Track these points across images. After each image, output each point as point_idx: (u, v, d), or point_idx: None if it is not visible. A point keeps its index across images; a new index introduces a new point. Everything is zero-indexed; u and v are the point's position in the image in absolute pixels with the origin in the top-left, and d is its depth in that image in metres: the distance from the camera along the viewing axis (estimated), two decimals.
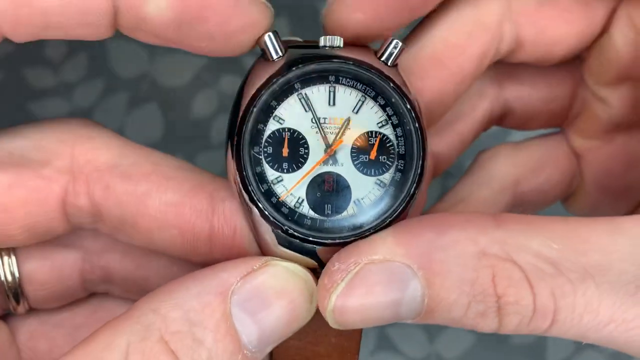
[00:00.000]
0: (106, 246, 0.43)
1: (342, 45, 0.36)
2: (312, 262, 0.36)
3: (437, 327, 0.72)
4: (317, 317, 0.37)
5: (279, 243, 0.36)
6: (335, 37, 0.36)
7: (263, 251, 0.37)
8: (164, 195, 0.38)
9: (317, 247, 0.36)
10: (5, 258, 0.42)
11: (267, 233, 0.36)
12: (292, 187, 0.36)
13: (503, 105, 0.47)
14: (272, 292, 0.34)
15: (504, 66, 0.46)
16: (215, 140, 0.76)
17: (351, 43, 0.37)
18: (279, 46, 0.36)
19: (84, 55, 0.80)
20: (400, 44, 0.36)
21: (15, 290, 0.42)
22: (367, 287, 0.32)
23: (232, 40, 0.35)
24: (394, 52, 0.36)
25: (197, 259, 0.39)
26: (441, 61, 0.40)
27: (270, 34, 0.36)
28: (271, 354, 0.38)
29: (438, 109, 0.42)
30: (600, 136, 0.47)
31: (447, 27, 0.41)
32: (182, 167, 0.39)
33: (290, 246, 0.36)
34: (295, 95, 0.36)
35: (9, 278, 0.42)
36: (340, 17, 0.37)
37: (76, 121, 0.41)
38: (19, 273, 0.42)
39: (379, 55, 0.36)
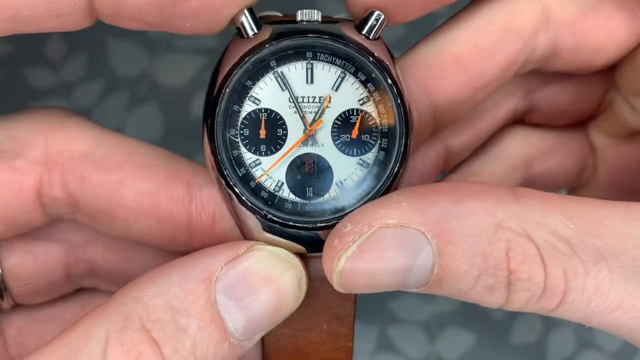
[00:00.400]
0: (90, 239, 0.42)
1: (320, 20, 0.35)
2: (298, 247, 0.35)
3: (437, 327, 0.72)
4: (308, 303, 0.36)
5: (263, 229, 0.35)
6: (314, 11, 0.35)
7: (246, 237, 0.36)
8: (138, 185, 0.37)
9: (300, 232, 0.34)
10: None
11: (249, 218, 0.35)
12: (268, 168, 0.34)
13: (529, 104, 0.46)
14: (258, 277, 0.33)
15: (537, 71, 0.45)
16: None
17: (330, 19, 0.36)
18: (254, 22, 0.34)
19: (83, 55, 0.80)
20: (382, 15, 0.35)
21: None
22: (379, 251, 0.31)
23: (217, 16, 0.34)
24: (375, 25, 0.35)
25: (177, 248, 0.39)
26: (462, 64, 0.39)
27: (245, 10, 0.34)
28: (262, 343, 0.37)
29: (449, 114, 0.41)
30: (621, 136, 0.46)
31: (476, 29, 0.39)
32: (158, 154, 0.39)
33: (273, 231, 0.35)
34: (271, 74, 0.34)
35: None
36: None
37: (50, 110, 0.40)
38: (2, 268, 0.41)
39: (359, 29, 0.35)
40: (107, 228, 0.39)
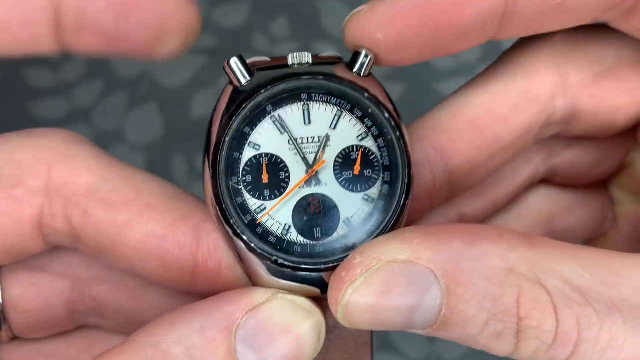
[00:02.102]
0: (99, 276, 0.41)
1: (311, 62, 0.35)
2: (310, 290, 0.34)
3: None
4: (326, 349, 0.35)
5: (271, 274, 0.34)
6: (304, 53, 0.35)
7: (255, 284, 0.35)
8: (145, 227, 0.36)
9: (312, 274, 0.34)
10: None
11: (257, 264, 0.34)
12: (271, 208, 0.34)
13: (549, 169, 0.45)
14: (279, 328, 0.32)
15: (559, 136, 0.44)
16: None
17: (321, 59, 0.35)
18: (245, 70, 0.34)
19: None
20: (370, 53, 0.35)
21: None
22: (386, 287, 0.30)
23: (166, 32, 0.31)
24: (365, 62, 0.35)
25: (180, 289, 0.38)
26: (479, 127, 0.38)
27: (236, 58, 0.34)
28: None
29: (465, 178, 0.40)
30: None
31: (492, 93, 0.39)
32: (167, 192, 0.37)
33: (284, 276, 0.34)
34: (268, 119, 0.34)
35: None
36: (359, 33, 0.35)
37: (55, 134, 0.38)
38: (3, 299, 0.39)
39: (350, 67, 0.35)
40: (108, 262, 0.38)
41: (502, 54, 0.40)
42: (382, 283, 0.31)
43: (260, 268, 0.34)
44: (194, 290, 0.36)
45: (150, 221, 0.36)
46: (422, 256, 0.31)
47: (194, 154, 0.75)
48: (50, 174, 0.36)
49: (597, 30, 0.39)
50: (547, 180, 0.47)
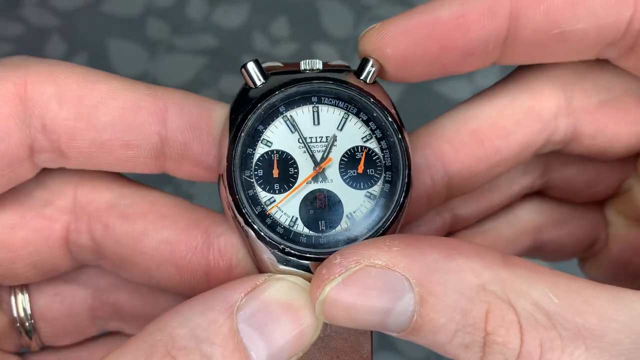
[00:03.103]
0: (115, 284, 0.44)
1: (322, 68, 0.37)
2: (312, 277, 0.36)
3: None
4: (326, 344, 0.37)
5: (279, 262, 0.36)
6: (316, 60, 0.37)
7: (262, 272, 0.37)
8: (160, 234, 0.38)
9: (313, 263, 0.35)
10: (19, 295, 0.42)
11: (265, 253, 0.36)
12: (280, 200, 0.36)
13: (545, 183, 0.47)
14: (278, 305, 0.34)
15: (558, 152, 0.45)
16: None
17: (330, 66, 0.38)
18: (261, 73, 0.36)
19: (84, 54, 0.80)
20: (377, 62, 0.37)
21: (28, 327, 0.42)
22: (362, 288, 0.32)
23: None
24: (371, 71, 0.37)
25: (196, 294, 0.39)
26: (480, 139, 0.40)
27: (252, 62, 0.36)
28: None
29: (463, 185, 0.42)
30: (637, 219, 0.46)
31: (497, 108, 0.40)
32: (179, 204, 0.39)
33: (288, 264, 0.36)
34: (280, 118, 0.37)
35: (22, 314, 0.42)
36: (371, 47, 0.37)
37: None
38: (31, 310, 0.42)
39: (358, 75, 0.37)
40: (129, 275, 0.41)
41: (513, 70, 0.42)
42: (358, 284, 0.32)
43: (267, 256, 0.36)
44: None
45: (164, 228, 0.38)
46: (399, 263, 0.32)
47: None
48: (76, 193, 0.39)
49: (608, 62, 0.40)
50: (542, 191, 0.48)
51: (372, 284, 0.32)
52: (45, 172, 0.39)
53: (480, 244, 0.34)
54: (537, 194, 0.48)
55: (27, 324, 0.42)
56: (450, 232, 0.47)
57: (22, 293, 0.42)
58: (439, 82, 0.79)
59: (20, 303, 0.42)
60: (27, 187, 0.38)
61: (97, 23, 0.83)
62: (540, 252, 0.49)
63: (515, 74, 0.41)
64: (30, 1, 0.83)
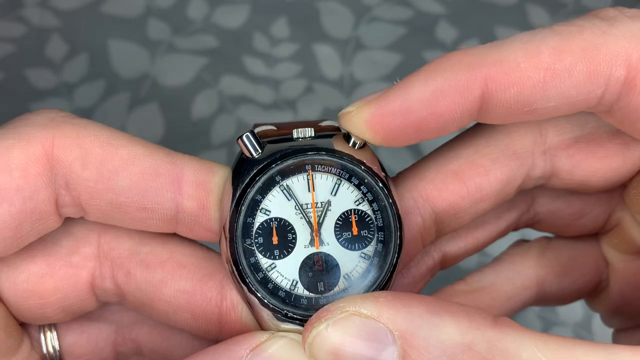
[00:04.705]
0: (136, 321, 0.46)
1: (313, 135, 0.40)
2: None
3: None
4: None
5: (279, 321, 0.38)
6: (307, 129, 0.40)
7: (264, 329, 0.40)
8: (177, 283, 0.40)
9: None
10: (48, 333, 0.45)
11: (267, 314, 0.38)
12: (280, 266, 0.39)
13: (532, 217, 0.48)
14: None
15: (542, 188, 0.46)
16: (215, 140, 0.76)
17: (321, 130, 0.40)
18: (257, 144, 0.39)
19: (84, 55, 0.81)
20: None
21: None
22: (346, 334, 0.33)
23: None
24: (357, 142, 0.39)
25: (209, 337, 0.42)
26: (461, 178, 0.42)
27: (248, 134, 0.39)
28: None
29: (450, 222, 0.43)
30: (632, 253, 0.47)
31: (475, 148, 0.42)
32: (196, 253, 0.42)
33: (290, 323, 0.38)
34: (277, 187, 0.39)
35: (51, 351, 0.44)
36: (351, 129, 0.39)
37: None
38: (60, 346, 0.45)
39: (347, 140, 0.40)
40: (149, 316, 0.43)
41: None
42: (342, 330, 0.34)
43: (269, 317, 0.38)
44: (221, 339, 0.39)
45: (182, 279, 0.40)
46: (384, 315, 0.33)
47: (194, 153, 0.75)
48: (99, 241, 0.41)
49: None
50: (533, 226, 0.49)
51: (356, 332, 0.33)
52: (69, 221, 0.41)
53: (471, 306, 0.34)
54: (538, 246, 0.49)
55: None
56: (443, 268, 0.48)
57: (51, 331, 0.44)
58: None
59: (50, 341, 0.44)
60: (53, 237, 0.40)
61: (98, 23, 0.83)
62: (543, 301, 0.50)
63: None
64: (30, 1, 0.84)
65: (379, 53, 0.82)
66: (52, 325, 0.44)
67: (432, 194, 0.42)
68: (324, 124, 0.41)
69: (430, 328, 0.33)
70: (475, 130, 0.43)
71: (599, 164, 0.42)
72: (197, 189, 0.39)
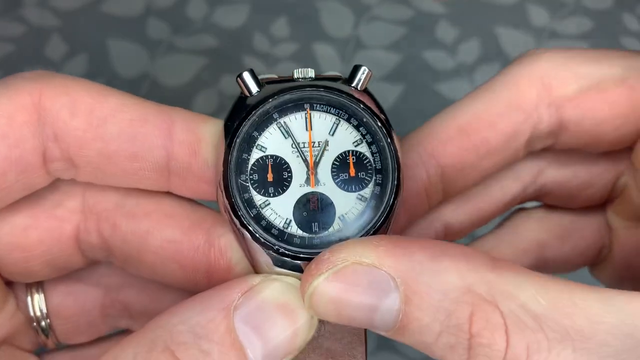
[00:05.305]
0: (124, 282, 0.46)
1: (314, 77, 0.39)
2: None
3: None
4: (320, 344, 0.38)
5: (274, 264, 0.37)
6: (308, 69, 0.39)
7: (258, 273, 0.39)
8: (164, 233, 0.40)
9: (306, 263, 0.37)
10: (35, 295, 0.44)
11: (261, 255, 0.37)
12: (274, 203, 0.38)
13: (539, 189, 0.48)
14: (273, 305, 0.35)
15: (548, 152, 0.46)
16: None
17: (323, 76, 0.40)
18: (256, 82, 0.38)
19: (84, 55, 0.81)
20: (367, 70, 0.39)
21: (44, 325, 0.45)
22: (348, 284, 0.33)
23: None
24: (362, 78, 0.39)
25: (199, 290, 0.40)
26: (467, 132, 0.42)
27: (247, 72, 0.38)
28: None
29: (457, 178, 0.43)
30: (636, 220, 0.46)
31: (480, 103, 0.43)
32: (183, 204, 0.41)
33: (283, 265, 0.37)
34: (274, 124, 0.38)
35: (38, 313, 0.44)
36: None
37: None
38: (47, 308, 0.44)
39: (349, 82, 0.39)
40: (137, 271, 0.42)
41: (497, 73, 0.44)
42: (344, 280, 0.34)
43: (263, 258, 0.37)
44: None
45: (168, 228, 0.40)
46: (385, 262, 0.33)
47: None
48: (84, 194, 0.41)
49: (588, 52, 0.43)
50: (539, 200, 0.49)
51: (358, 280, 0.33)
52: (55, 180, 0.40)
53: (469, 247, 0.35)
54: (539, 212, 0.49)
55: (43, 322, 0.44)
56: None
57: (38, 293, 0.44)
58: (438, 81, 0.80)
59: (37, 302, 0.44)
60: (38, 191, 0.40)
61: (98, 23, 0.83)
62: (544, 268, 0.49)
63: (499, 73, 0.44)
64: (30, 1, 0.83)
65: (379, 53, 0.82)
66: (39, 287, 0.44)
67: (437, 149, 0.42)
68: (326, 73, 0.40)
69: (431, 273, 0.33)
70: (482, 88, 0.43)
71: (607, 111, 0.42)
72: (188, 134, 0.38)
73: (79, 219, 0.40)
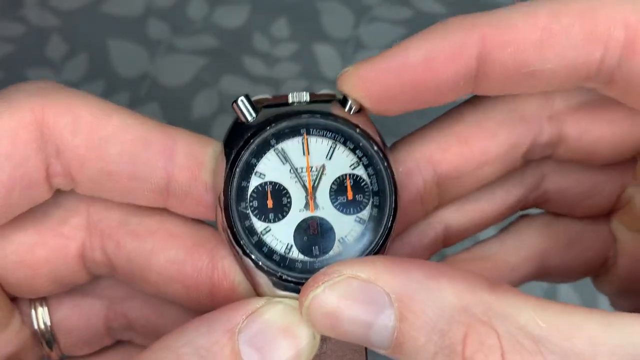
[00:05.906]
0: (128, 295, 0.46)
1: (309, 100, 0.39)
2: None
3: None
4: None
5: (275, 287, 0.38)
6: (303, 93, 0.39)
7: (260, 295, 0.39)
8: (167, 253, 0.40)
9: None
10: (39, 308, 0.44)
11: (263, 280, 0.38)
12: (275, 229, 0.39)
13: (541, 195, 0.47)
14: (277, 327, 0.35)
15: (550, 158, 0.46)
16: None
17: (317, 97, 0.40)
18: (252, 108, 0.38)
19: (84, 55, 0.81)
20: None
21: (48, 338, 0.45)
22: (343, 297, 0.34)
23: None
24: (353, 105, 0.39)
25: (202, 309, 0.41)
26: (466, 140, 0.42)
27: (243, 98, 0.38)
28: None
29: (453, 186, 0.43)
30: None
31: (482, 111, 0.42)
32: (186, 224, 0.41)
33: (286, 289, 0.38)
34: (272, 151, 0.39)
35: (42, 326, 0.44)
36: (347, 89, 0.39)
37: None
38: (51, 321, 0.45)
39: (342, 105, 0.39)
40: (140, 288, 0.43)
41: None
42: (339, 294, 0.34)
43: (263, 280, 0.38)
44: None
45: (172, 248, 0.40)
46: (381, 278, 0.33)
47: None
48: (89, 211, 0.41)
49: None
50: (541, 207, 0.48)
51: (353, 294, 0.33)
52: (58, 193, 0.40)
53: (468, 270, 0.34)
54: (544, 219, 0.49)
55: (47, 335, 0.44)
56: (446, 246, 0.47)
57: (42, 306, 0.44)
58: None
59: (41, 316, 0.44)
60: (43, 208, 0.40)
61: (98, 23, 0.83)
62: (547, 277, 0.49)
63: None
64: (30, 1, 0.84)
65: (379, 53, 0.82)
66: (44, 301, 0.44)
67: (435, 156, 0.41)
68: (320, 92, 0.40)
69: (427, 291, 0.33)
70: (478, 98, 0.43)
71: (606, 129, 0.41)
72: (189, 158, 0.38)
73: (84, 236, 0.41)
